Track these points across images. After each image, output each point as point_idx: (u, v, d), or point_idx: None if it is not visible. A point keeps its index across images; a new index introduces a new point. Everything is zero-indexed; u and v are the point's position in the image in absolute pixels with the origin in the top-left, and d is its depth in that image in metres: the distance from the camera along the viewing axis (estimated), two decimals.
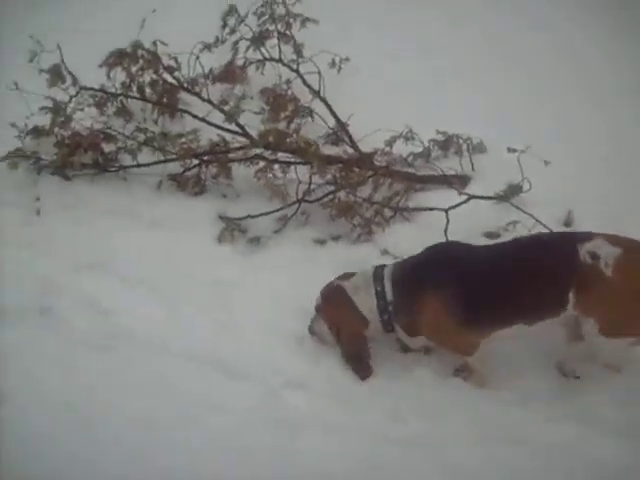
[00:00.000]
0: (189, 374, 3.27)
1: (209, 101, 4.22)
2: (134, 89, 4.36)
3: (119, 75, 4.32)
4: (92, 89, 4.24)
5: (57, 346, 3.42)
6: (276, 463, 2.91)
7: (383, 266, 3.27)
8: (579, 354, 3.23)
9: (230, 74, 4.31)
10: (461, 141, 4.29)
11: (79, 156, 4.31)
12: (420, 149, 4.28)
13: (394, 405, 3.17)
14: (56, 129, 4.33)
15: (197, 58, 4.36)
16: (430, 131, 4.30)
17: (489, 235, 3.87)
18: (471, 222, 3.90)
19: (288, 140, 3.95)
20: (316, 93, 4.28)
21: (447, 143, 4.32)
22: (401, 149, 4.21)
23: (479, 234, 3.90)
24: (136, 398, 3.15)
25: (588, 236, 3.06)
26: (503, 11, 5.19)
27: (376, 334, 3.29)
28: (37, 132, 4.38)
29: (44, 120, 4.31)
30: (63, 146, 4.28)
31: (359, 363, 3.26)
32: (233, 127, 4.19)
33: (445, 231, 3.70)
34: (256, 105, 4.53)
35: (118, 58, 4.35)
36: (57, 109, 4.30)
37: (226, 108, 4.19)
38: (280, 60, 4.43)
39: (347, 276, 3.30)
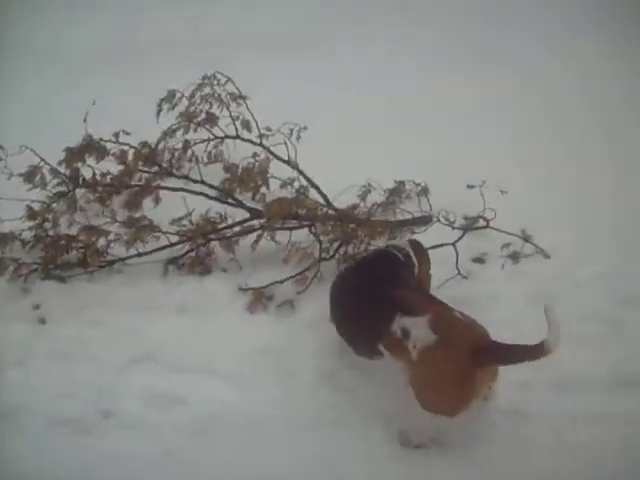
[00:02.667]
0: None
1: (202, 182, 4.34)
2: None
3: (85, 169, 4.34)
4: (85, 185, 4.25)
5: (150, 446, 3.43)
6: None
7: None
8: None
9: (211, 152, 4.44)
10: (409, 187, 4.73)
11: (65, 256, 4.22)
12: (378, 199, 4.65)
13: None
14: (32, 232, 4.23)
15: (164, 140, 4.44)
16: (384, 181, 4.69)
17: (477, 260, 4.37)
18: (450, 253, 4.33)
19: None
20: (286, 162, 4.54)
21: (399, 190, 4.76)
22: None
23: (467, 261, 4.35)
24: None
25: (423, 309, 3.25)
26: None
27: None
28: (4, 239, 4.24)
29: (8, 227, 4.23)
30: (50, 247, 4.16)
31: None
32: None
33: (456, 264, 4.14)
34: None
35: (80, 152, 4.32)
36: (33, 214, 4.20)
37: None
38: (238, 136, 4.63)
39: None
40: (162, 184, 4.39)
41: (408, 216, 4.51)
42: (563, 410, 3.51)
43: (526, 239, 4.40)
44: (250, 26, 6.55)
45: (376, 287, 3.46)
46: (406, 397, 3.30)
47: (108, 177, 4.36)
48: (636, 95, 5.26)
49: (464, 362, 3.08)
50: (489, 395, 3.40)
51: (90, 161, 4.35)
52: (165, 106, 4.59)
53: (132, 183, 4.32)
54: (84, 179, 4.37)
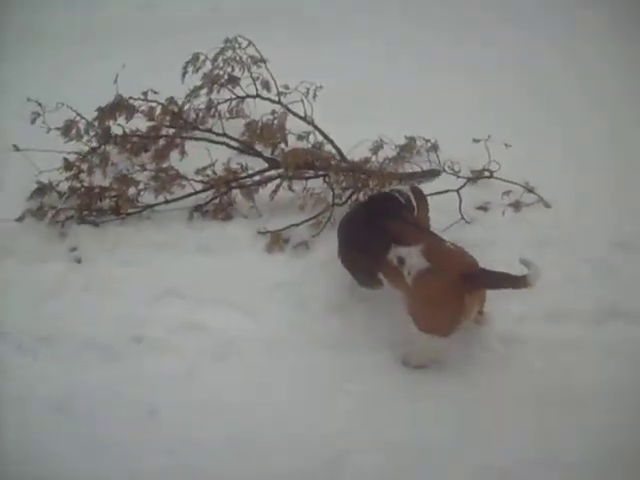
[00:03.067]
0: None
1: (224, 134, 4.68)
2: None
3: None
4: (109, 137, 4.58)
5: (179, 366, 3.80)
6: None
7: None
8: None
9: (233, 109, 4.78)
10: (420, 143, 5.03)
11: (99, 203, 4.58)
12: (390, 154, 4.95)
13: None
14: (68, 182, 4.57)
15: (189, 101, 4.78)
16: (396, 137, 4.99)
17: (480, 208, 4.66)
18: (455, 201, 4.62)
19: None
20: (302, 118, 4.87)
21: (409, 146, 5.06)
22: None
23: (472, 209, 4.65)
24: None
25: (415, 240, 3.57)
26: None
27: None
28: (43, 189, 4.59)
29: (46, 178, 4.60)
30: (84, 196, 4.52)
31: None
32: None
33: (459, 208, 4.45)
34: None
35: (111, 111, 4.67)
36: (69, 165, 4.56)
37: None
38: (258, 95, 4.96)
39: None
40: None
41: (417, 169, 4.76)
42: (553, 338, 3.80)
43: (529, 189, 4.63)
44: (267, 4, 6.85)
45: (375, 221, 3.78)
46: (407, 324, 3.61)
47: (137, 133, 4.65)
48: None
49: (454, 285, 3.41)
50: (482, 321, 3.75)
51: (120, 120, 4.66)
52: (190, 68, 4.89)
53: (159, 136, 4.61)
54: (115, 135, 4.67)
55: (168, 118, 4.68)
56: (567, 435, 3.39)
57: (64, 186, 4.64)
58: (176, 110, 4.66)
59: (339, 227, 4.04)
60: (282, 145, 4.82)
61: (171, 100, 4.68)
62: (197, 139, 4.65)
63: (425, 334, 3.54)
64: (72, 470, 3.33)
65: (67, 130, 4.53)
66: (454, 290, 3.40)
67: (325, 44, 5.80)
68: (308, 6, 6.60)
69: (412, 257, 3.50)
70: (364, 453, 3.35)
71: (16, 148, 4.57)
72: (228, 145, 4.64)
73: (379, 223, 3.76)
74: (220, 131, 4.74)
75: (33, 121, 4.53)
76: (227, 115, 4.85)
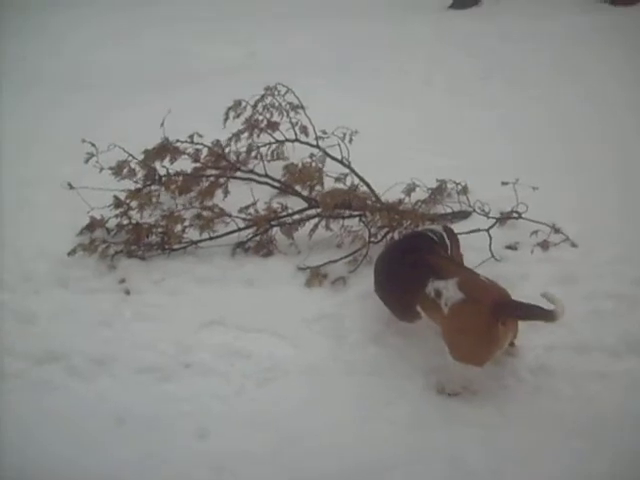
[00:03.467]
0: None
1: (266, 175, 4.98)
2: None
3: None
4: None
5: (227, 388, 4.03)
6: None
7: None
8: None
9: (274, 152, 5.09)
10: (451, 186, 5.30)
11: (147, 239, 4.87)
12: (422, 196, 5.22)
13: None
14: (117, 219, 4.87)
15: (231, 144, 5.10)
16: (426, 181, 5.27)
17: (509, 247, 4.90)
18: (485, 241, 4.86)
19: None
20: (339, 161, 5.16)
21: (440, 188, 5.34)
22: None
23: (501, 248, 4.88)
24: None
25: (452, 273, 3.81)
26: None
27: None
28: (93, 225, 4.90)
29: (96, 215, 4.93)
30: (133, 231, 4.81)
31: None
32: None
33: (490, 247, 4.69)
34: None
35: (158, 153, 4.99)
36: (119, 202, 4.86)
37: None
38: (297, 139, 5.28)
39: None
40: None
41: (449, 210, 5.03)
42: (580, 369, 3.98)
43: (556, 229, 4.87)
44: (301, 51, 7.22)
45: (412, 256, 4.04)
46: (442, 354, 3.84)
47: (183, 173, 4.96)
48: None
49: (487, 316, 3.62)
50: (514, 352, 3.96)
51: (165, 161, 5.04)
52: (231, 114, 5.23)
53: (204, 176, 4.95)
54: (161, 176, 5.00)
55: (213, 159, 4.94)
56: (594, 460, 3.54)
57: (112, 223, 4.92)
58: (220, 152, 4.93)
59: (376, 263, 4.29)
60: (318, 187, 5.06)
61: (217, 143, 4.96)
62: (242, 179, 4.94)
63: (460, 363, 3.72)
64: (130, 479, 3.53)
65: (119, 169, 4.81)
66: (488, 320, 3.61)
67: (359, 90, 6.06)
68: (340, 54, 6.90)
69: (448, 289, 3.72)
70: (400, 467, 3.54)
71: (70, 186, 4.84)
72: (271, 185, 4.90)
73: (416, 258, 3.98)
74: (262, 172, 4.98)
75: (86, 161, 4.84)
76: (268, 157, 5.12)
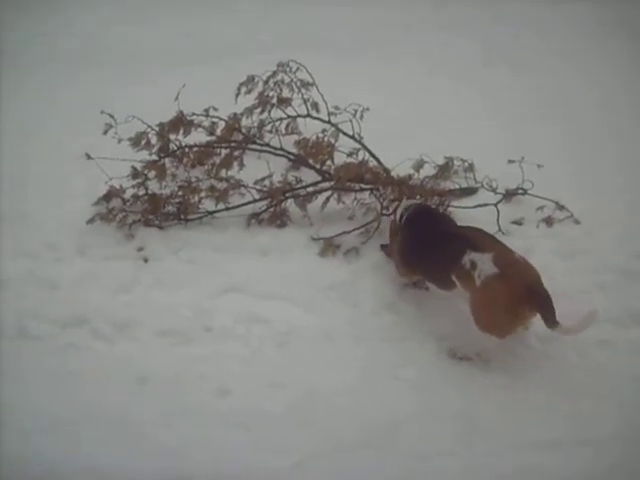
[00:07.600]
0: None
1: (281, 149, 5.11)
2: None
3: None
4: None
5: (246, 350, 4.20)
6: None
7: None
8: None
9: (288, 126, 5.23)
10: (457, 164, 5.45)
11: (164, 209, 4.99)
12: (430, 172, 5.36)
13: None
14: (134, 190, 4.99)
15: (246, 118, 5.23)
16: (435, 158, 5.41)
17: (515, 223, 5.06)
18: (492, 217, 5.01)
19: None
20: (351, 137, 5.30)
21: (448, 165, 5.48)
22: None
23: (507, 223, 5.03)
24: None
25: (488, 247, 3.95)
26: None
27: None
28: (110, 195, 5.02)
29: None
30: (150, 202, 4.94)
31: None
32: None
33: (497, 221, 4.85)
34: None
35: (173, 126, 5.12)
36: (137, 173, 4.99)
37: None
38: (309, 115, 5.41)
39: None
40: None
41: (456, 186, 5.18)
42: (586, 337, 4.12)
43: (560, 206, 5.03)
44: (310, 29, 7.32)
45: (450, 227, 4.27)
46: (459, 320, 4.05)
47: (199, 146, 5.10)
48: None
49: (518, 295, 3.78)
50: (529, 325, 4.10)
51: (180, 134, 5.13)
52: (243, 89, 5.33)
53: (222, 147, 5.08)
54: (177, 147, 5.13)
55: (228, 133, 5.07)
56: (599, 417, 3.73)
57: (129, 193, 5.03)
58: (237, 125, 5.06)
59: (407, 229, 4.42)
60: (329, 162, 5.19)
61: (234, 116, 5.08)
62: (258, 150, 5.07)
63: (483, 332, 3.90)
64: (153, 435, 3.69)
65: (137, 141, 4.92)
66: (517, 299, 3.78)
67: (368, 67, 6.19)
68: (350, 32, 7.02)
69: (484, 262, 3.85)
70: (414, 422, 3.72)
71: (88, 156, 4.96)
72: (286, 157, 5.04)
73: (454, 229, 4.25)
74: (277, 145, 5.12)
75: (105, 132, 4.95)
76: (283, 132, 5.25)
